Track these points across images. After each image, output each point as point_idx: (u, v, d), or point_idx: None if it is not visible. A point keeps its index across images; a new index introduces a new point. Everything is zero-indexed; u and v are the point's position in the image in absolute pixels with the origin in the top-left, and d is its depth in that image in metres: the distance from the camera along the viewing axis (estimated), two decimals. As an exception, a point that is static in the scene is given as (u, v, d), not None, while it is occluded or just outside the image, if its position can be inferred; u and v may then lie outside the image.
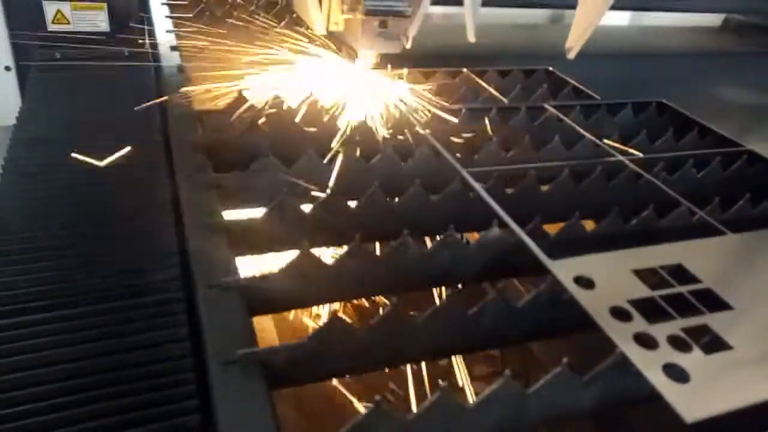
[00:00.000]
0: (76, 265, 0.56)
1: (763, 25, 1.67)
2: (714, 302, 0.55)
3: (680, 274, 0.59)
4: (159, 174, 0.69)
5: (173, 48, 1.03)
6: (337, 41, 0.98)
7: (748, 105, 1.16)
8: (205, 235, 0.59)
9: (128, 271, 0.55)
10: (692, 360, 0.48)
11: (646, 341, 0.49)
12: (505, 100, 1.00)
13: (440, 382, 0.41)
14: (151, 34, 1.07)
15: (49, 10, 1.03)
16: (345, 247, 0.57)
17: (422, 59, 1.00)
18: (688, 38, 1.54)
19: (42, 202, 0.64)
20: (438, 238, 0.61)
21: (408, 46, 0.87)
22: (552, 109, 0.95)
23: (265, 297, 0.54)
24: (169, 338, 0.49)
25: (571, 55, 0.86)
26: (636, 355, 0.47)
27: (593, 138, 0.88)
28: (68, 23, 1.05)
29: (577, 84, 1.07)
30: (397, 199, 0.68)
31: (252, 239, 0.61)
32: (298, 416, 0.76)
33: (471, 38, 0.87)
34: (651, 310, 0.52)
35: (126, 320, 0.50)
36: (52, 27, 1.04)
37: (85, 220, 0.62)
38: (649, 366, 0.46)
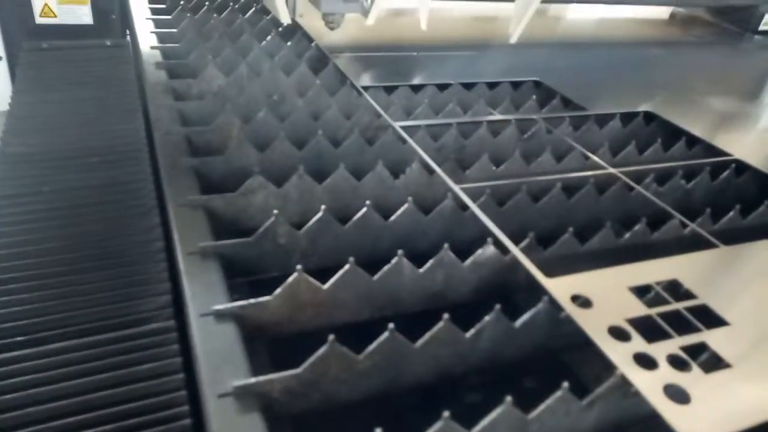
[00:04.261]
0: (63, 295, 0.54)
1: (704, 18, 1.95)
2: (710, 318, 0.55)
3: (675, 289, 0.59)
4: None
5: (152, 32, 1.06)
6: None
7: (693, 87, 1.33)
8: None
9: (118, 301, 0.54)
10: (692, 380, 0.48)
11: (646, 362, 0.48)
12: (494, 112, 1.00)
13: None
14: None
15: (37, 4, 1.14)
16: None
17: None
18: (638, 29, 1.74)
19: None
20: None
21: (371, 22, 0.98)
22: (541, 122, 0.95)
23: (260, 324, 0.53)
24: (162, 371, 0.48)
25: (512, 40, 1.02)
26: (637, 376, 0.47)
27: (583, 150, 0.88)
28: (55, 16, 1.15)
29: (564, 95, 1.08)
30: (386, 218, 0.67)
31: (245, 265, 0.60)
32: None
33: (423, 26, 1.00)
34: (649, 329, 0.52)
35: (117, 353, 0.49)
36: (39, 20, 1.15)
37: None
38: (650, 387, 0.46)
